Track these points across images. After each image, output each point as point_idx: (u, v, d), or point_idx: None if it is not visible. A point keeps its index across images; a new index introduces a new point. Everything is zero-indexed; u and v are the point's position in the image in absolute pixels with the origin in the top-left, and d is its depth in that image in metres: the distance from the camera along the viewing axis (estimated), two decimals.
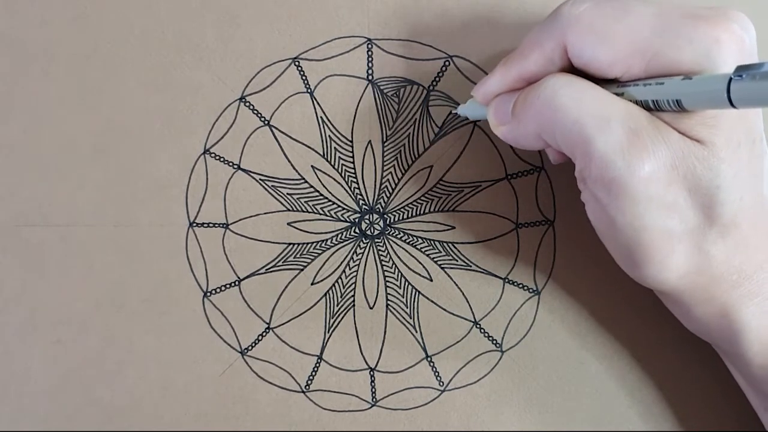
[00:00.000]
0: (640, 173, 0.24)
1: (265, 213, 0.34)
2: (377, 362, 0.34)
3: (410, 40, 0.33)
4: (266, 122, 0.34)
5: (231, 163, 0.34)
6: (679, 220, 0.25)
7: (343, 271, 0.34)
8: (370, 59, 0.33)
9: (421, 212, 0.34)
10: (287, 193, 0.34)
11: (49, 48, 0.34)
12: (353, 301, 0.34)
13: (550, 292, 0.34)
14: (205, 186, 0.34)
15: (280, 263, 0.34)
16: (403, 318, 0.34)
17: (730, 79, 0.21)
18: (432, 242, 0.34)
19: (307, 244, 0.34)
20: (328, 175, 0.34)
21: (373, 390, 0.34)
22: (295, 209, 0.34)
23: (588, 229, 0.28)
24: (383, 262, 0.34)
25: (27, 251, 0.34)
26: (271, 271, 0.34)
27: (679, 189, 0.25)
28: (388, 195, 0.34)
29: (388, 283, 0.34)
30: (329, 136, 0.34)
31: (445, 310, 0.34)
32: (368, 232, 0.34)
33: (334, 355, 0.34)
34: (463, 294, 0.34)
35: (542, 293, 0.34)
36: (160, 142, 0.34)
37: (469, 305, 0.34)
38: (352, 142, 0.34)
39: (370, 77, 0.33)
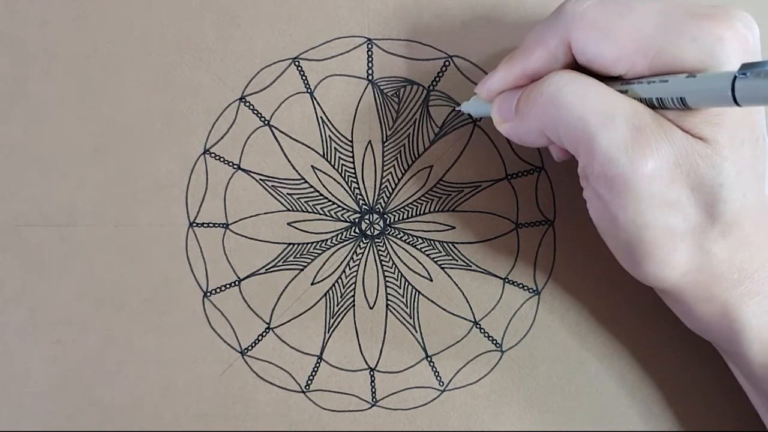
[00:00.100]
0: (643, 170, 0.24)
1: (265, 213, 0.33)
2: (377, 362, 0.34)
3: (410, 40, 0.33)
4: (266, 122, 0.33)
5: (231, 163, 0.33)
6: (682, 218, 0.25)
7: (343, 271, 0.34)
8: (370, 59, 0.33)
9: (421, 212, 0.34)
10: (287, 193, 0.33)
11: (49, 48, 0.33)
12: (353, 301, 0.34)
13: (550, 292, 0.34)
14: (205, 186, 0.33)
15: (280, 263, 0.34)
16: (403, 318, 0.34)
17: (735, 77, 0.21)
18: (432, 242, 0.34)
19: (307, 244, 0.34)
20: (328, 175, 0.33)
21: (373, 390, 0.34)
22: (295, 209, 0.33)
23: (588, 229, 0.28)
24: (383, 262, 0.34)
25: (27, 251, 0.34)
26: (271, 271, 0.34)
27: (681, 187, 0.24)
28: (388, 195, 0.34)
29: (388, 283, 0.34)
30: (329, 136, 0.33)
31: (445, 310, 0.34)
32: (368, 232, 0.34)
33: (334, 355, 0.34)
34: (463, 294, 0.34)
35: (542, 293, 0.34)
36: (160, 142, 0.33)
37: (469, 305, 0.34)
38: (352, 142, 0.33)
39: (370, 77, 0.33)
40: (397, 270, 0.34)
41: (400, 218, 0.34)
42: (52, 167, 0.33)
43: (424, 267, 0.34)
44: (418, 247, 0.34)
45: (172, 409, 0.34)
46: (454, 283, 0.34)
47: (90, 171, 0.33)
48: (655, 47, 0.24)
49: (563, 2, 0.26)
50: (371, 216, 0.34)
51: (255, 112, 0.33)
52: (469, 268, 0.34)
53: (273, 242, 0.34)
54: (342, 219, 0.34)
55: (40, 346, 0.34)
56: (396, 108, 0.33)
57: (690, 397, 0.33)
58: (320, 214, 0.34)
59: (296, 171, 0.33)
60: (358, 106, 0.33)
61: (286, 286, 0.34)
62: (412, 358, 0.34)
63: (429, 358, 0.34)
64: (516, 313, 0.34)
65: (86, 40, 0.33)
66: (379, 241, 0.34)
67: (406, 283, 0.34)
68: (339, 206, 0.34)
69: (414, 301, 0.34)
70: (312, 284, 0.34)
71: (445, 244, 0.34)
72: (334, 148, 0.33)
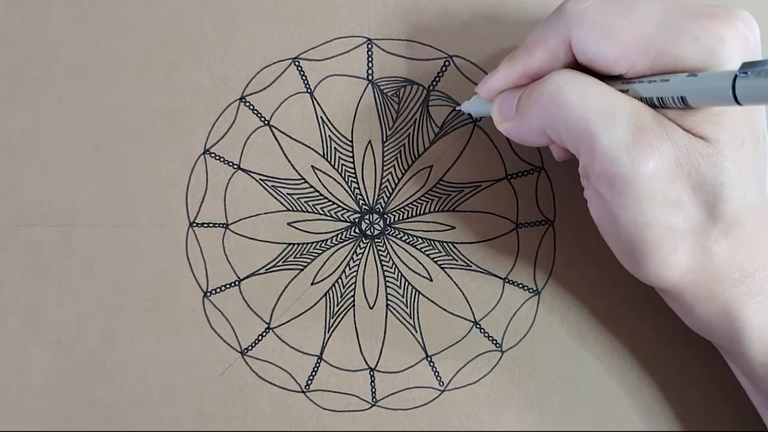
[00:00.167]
0: (644, 170, 0.23)
1: (265, 213, 0.33)
2: (377, 362, 0.34)
3: (410, 40, 0.33)
4: (266, 122, 0.33)
5: (231, 163, 0.33)
6: (683, 217, 0.25)
7: (343, 271, 0.34)
8: (370, 59, 0.33)
9: (421, 212, 0.33)
10: (287, 193, 0.33)
11: (49, 48, 0.33)
12: (353, 301, 0.34)
13: (550, 292, 0.33)
14: (205, 186, 0.33)
15: (280, 263, 0.33)
16: (403, 318, 0.34)
17: (736, 76, 0.21)
18: (432, 242, 0.33)
19: (307, 244, 0.33)
20: (328, 175, 0.33)
21: (373, 390, 0.34)
22: (295, 209, 0.33)
23: (588, 229, 0.28)
24: (383, 262, 0.34)
25: (27, 251, 0.33)
26: (271, 271, 0.34)
27: (683, 186, 0.24)
28: (388, 195, 0.33)
29: (388, 283, 0.34)
30: (329, 136, 0.33)
31: (445, 310, 0.34)
32: (368, 232, 0.34)
33: (334, 355, 0.34)
34: (463, 294, 0.34)
35: (542, 293, 0.34)
36: (160, 142, 0.33)
37: (469, 305, 0.34)
38: (352, 142, 0.33)
39: (370, 77, 0.33)
40: (397, 270, 0.34)
41: (400, 218, 0.33)
42: (52, 167, 0.33)
43: (424, 267, 0.34)
44: (418, 247, 0.33)
45: (172, 409, 0.34)
46: (454, 283, 0.33)
47: (90, 171, 0.33)
48: (657, 46, 0.24)
49: (564, 1, 0.26)
50: (371, 216, 0.34)
51: (255, 112, 0.33)
52: (469, 268, 0.33)
53: (273, 242, 0.33)
54: (342, 219, 0.34)
55: (40, 346, 0.34)
56: (396, 108, 0.33)
57: (690, 397, 0.33)
58: (320, 214, 0.33)
59: (296, 171, 0.33)
60: (358, 106, 0.33)
61: (286, 286, 0.34)
62: (412, 358, 0.34)
63: (429, 358, 0.34)
64: (516, 313, 0.34)
65: (86, 40, 0.33)
66: (379, 241, 0.34)
67: (406, 283, 0.34)
68: (339, 206, 0.33)
69: (414, 301, 0.34)
70: (312, 284, 0.34)
71: (445, 244, 0.33)
72: (334, 148, 0.33)
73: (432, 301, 0.34)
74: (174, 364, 0.33)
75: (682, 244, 0.25)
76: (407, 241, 0.33)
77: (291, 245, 0.33)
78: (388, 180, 0.33)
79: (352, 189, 0.33)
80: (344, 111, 0.33)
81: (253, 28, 0.33)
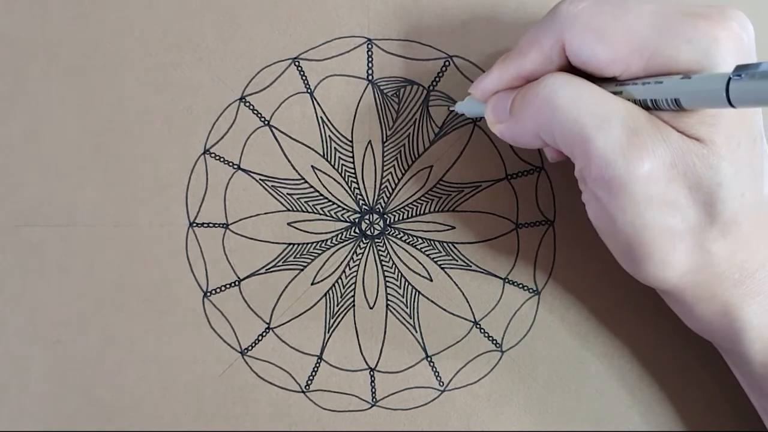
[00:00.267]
0: (639, 172, 0.24)
1: (265, 213, 0.34)
2: (377, 362, 0.34)
3: (410, 40, 0.33)
4: (266, 122, 0.34)
5: (231, 163, 0.34)
6: (680, 218, 0.25)
7: (343, 271, 0.34)
8: (370, 59, 0.34)
9: (421, 212, 0.34)
10: (287, 193, 0.34)
11: (49, 48, 0.34)
12: (353, 301, 0.34)
13: (550, 292, 0.34)
14: (205, 186, 0.34)
15: (280, 263, 0.34)
16: (403, 318, 0.34)
17: (729, 79, 0.21)
18: (432, 242, 0.34)
19: (307, 244, 0.34)
20: (328, 175, 0.34)
21: (373, 390, 0.34)
22: (295, 209, 0.34)
23: (588, 229, 0.28)
24: (383, 262, 0.34)
25: (27, 251, 0.34)
26: (271, 271, 0.34)
27: (679, 187, 0.25)
28: (388, 195, 0.34)
29: (388, 283, 0.34)
30: (329, 136, 0.34)
31: (445, 310, 0.34)
32: (368, 232, 0.34)
33: (334, 355, 0.34)
34: (463, 294, 0.34)
35: (542, 293, 0.34)
36: (160, 142, 0.34)
37: (469, 305, 0.34)
38: (352, 142, 0.34)
39: (370, 77, 0.34)
40: (397, 270, 0.34)
41: (400, 218, 0.34)
42: (52, 167, 0.34)
43: (424, 267, 0.34)
44: (418, 247, 0.34)
45: (172, 409, 0.34)
46: (454, 283, 0.34)
47: (90, 171, 0.34)
48: (651, 48, 0.24)
49: (558, 3, 0.26)
50: (371, 216, 0.34)
51: (255, 112, 0.34)
52: (469, 268, 0.34)
53: (273, 242, 0.34)
54: (342, 219, 0.34)
55: (40, 346, 0.34)
56: (396, 108, 0.34)
57: (690, 397, 0.34)
58: (320, 214, 0.34)
59: (296, 171, 0.34)
60: (358, 106, 0.34)
61: (286, 286, 0.34)
62: (412, 358, 0.34)
63: (429, 358, 0.34)
64: (516, 313, 0.34)
65: (86, 40, 0.34)
66: (379, 241, 0.34)
67: (406, 283, 0.34)
68: (339, 206, 0.34)
69: (414, 301, 0.34)
70: (312, 284, 0.34)
71: (445, 244, 0.34)
72: (334, 148, 0.34)
73: (432, 301, 0.34)
74: (174, 364, 0.34)
75: (680, 245, 0.26)
76: (407, 241, 0.34)
77: (291, 245, 0.34)
78: (388, 180, 0.34)
79: (352, 189, 0.34)
80: (344, 111, 0.34)
81: (253, 28, 0.34)
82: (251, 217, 0.34)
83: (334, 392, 0.34)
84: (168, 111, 0.34)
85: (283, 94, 0.34)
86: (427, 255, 0.34)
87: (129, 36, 0.34)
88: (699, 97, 0.23)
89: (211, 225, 0.34)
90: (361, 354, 0.34)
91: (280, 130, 0.34)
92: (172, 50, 0.34)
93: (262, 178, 0.34)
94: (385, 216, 0.34)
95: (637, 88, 0.25)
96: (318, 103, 0.34)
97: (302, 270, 0.34)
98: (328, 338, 0.34)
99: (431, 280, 0.34)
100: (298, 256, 0.34)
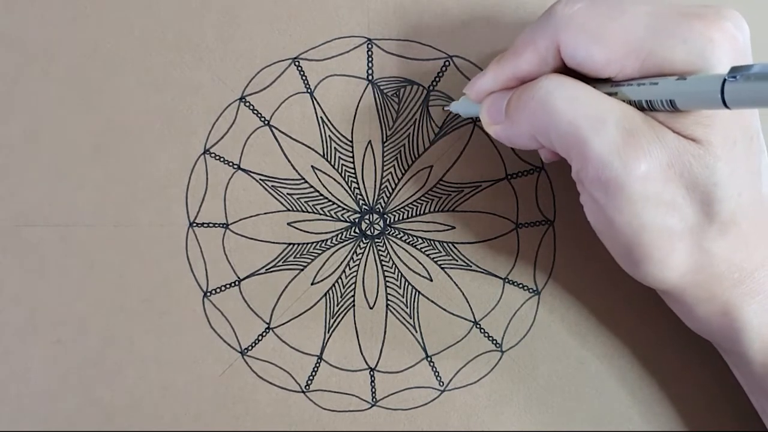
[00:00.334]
0: (636, 172, 0.24)
1: (265, 213, 0.35)
2: (377, 362, 0.35)
3: (410, 40, 0.34)
4: (266, 122, 0.35)
5: (231, 163, 0.35)
6: (679, 218, 0.26)
7: (343, 271, 0.35)
8: (370, 59, 0.34)
9: (421, 212, 0.35)
10: (287, 193, 0.35)
11: (49, 48, 0.34)
12: (353, 301, 0.35)
13: (550, 292, 0.35)
14: (205, 186, 0.35)
15: (280, 263, 0.35)
16: (403, 318, 0.35)
17: (724, 80, 0.21)
18: (432, 242, 0.35)
19: (307, 244, 0.35)
20: (328, 175, 0.35)
21: (373, 390, 0.35)
22: (295, 209, 0.35)
23: (588, 229, 0.29)
24: (383, 262, 0.35)
25: (27, 251, 0.35)
26: (271, 271, 0.35)
27: (676, 187, 0.25)
28: (388, 195, 0.35)
29: (388, 283, 0.35)
30: (329, 136, 0.35)
31: (445, 310, 0.35)
32: (368, 232, 0.35)
33: (334, 355, 0.35)
34: (463, 294, 0.35)
35: (542, 293, 0.35)
36: (160, 142, 0.34)
37: (469, 305, 0.35)
38: (352, 142, 0.35)
39: (370, 77, 0.34)
40: (397, 270, 0.35)
41: (400, 218, 0.35)
42: (52, 167, 0.35)
43: (424, 267, 0.35)
44: (418, 247, 0.35)
45: (172, 409, 0.35)
46: (454, 283, 0.35)
47: (90, 171, 0.35)
48: (646, 49, 0.25)
49: (553, 5, 0.27)
50: (371, 216, 0.35)
51: (255, 112, 0.35)
52: (469, 268, 0.35)
53: (273, 242, 0.35)
54: (342, 219, 0.35)
55: (40, 346, 0.35)
56: (396, 108, 0.34)
57: (690, 396, 0.35)
58: (320, 214, 0.35)
59: (296, 171, 0.35)
60: (358, 106, 0.34)
61: (286, 286, 0.35)
62: (412, 358, 0.35)
63: (429, 358, 0.35)
64: (516, 313, 0.35)
65: (86, 40, 0.34)
66: (379, 241, 0.35)
67: (406, 283, 0.35)
68: (339, 206, 0.35)
69: (414, 301, 0.35)
70: (312, 284, 0.35)
71: (445, 244, 0.35)
72: (334, 148, 0.35)
73: (432, 301, 0.35)
74: (174, 364, 0.35)
75: (679, 245, 0.26)
76: (407, 241, 0.35)
77: (291, 245, 0.35)
78: (388, 180, 0.35)
79: (352, 189, 0.35)
80: (344, 111, 0.34)
81: (253, 28, 0.34)
82: (251, 217, 0.35)
83: (334, 392, 0.35)
84: (168, 111, 0.34)
85: (283, 94, 0.34)
86: (427, 255, 0.35)
87: (129, 36, 0.34)
88: (694, 98, 0.23)
89: (211, 225, 0.35)
90: (361, 354, 0.35)
91: (280, 130, 0.35)
92: (172, 50, 0.34)
93: (262, 178, 0.35)
94: (385, 216, 0.35)
95: (633, 89, 0.25)
96: (318, 103, 0.34)
97: (302, 270, 0.35)
98: (328, 338, 0.35)
99: (431, 280, 0.35)
100: (298, 256, 0.35)
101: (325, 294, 0.35)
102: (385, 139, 0.35)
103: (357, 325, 0.35)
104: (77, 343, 0.35)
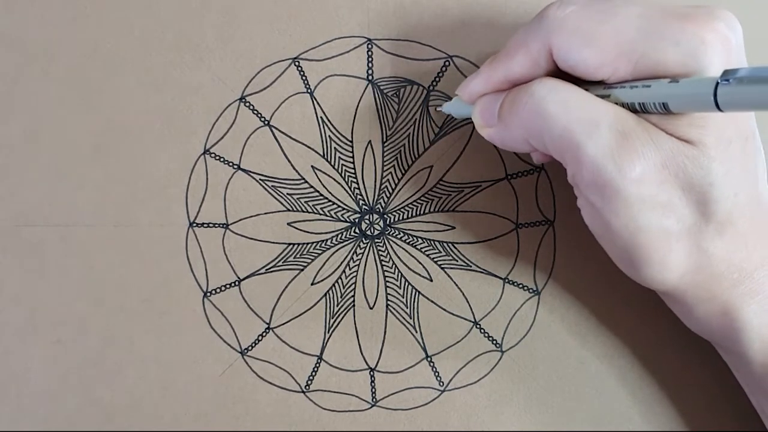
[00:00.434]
0: (631, 175, 0.25)
1: (265, 213, 0.36)
2: (377, 362, 0.36)
3: (410, 40, 0.35)
4: (266, 122, 0.35)
5: (231, 163, 0.36)
6: (675, 219, 0.26)
7: (343, 271, 0.36)
8: (370, 59, 0.35)
9: (421, 212, 0.36)
10: (287, 193, 0.36)
11: (49, 48, 0.35)
12: (353, 301, 0.36)
13: (550, 292, 0.36)
14: (205, 186, 0.35)
15: (280, 263, 0.36)
16: (403, 318, 0.36)
17: (717, 83, 0.22)
18: (432, 242, 0.36)
19: (307, 244, 0.36)
20: (328, 175, 0.36)
21: (373, 390, 0.36)
22: (295, 209, 0.36)
23: (588, 229, 0.29)
24: (383, 262, 0.36)
25: (27, 251, 0.36)
26: (271, 271, 0.36)
27: (672, 188, 0.26)
28: (388, 195, 0.36)
29: (388, 283, 0.36)
30: (329, 136, 0.35)
31: (445, 310, 0.36)
32: (368, 233, 0.36)
33: (334, 355, 0.36)
34: (463, 294, 0.36)
35: (542, 293, 0.36)
36: (160, 142, 0.35)
37: (469, 305, 0.36)
38: (352, 142, 0.35)
39: (370, 77, 0.35)
40: (397, 270, 0.36)
41: (400, 218, 0.36)
42: (52, 167, 0.35)
43: (424, 267, 0.36)
44: (418, 247, 0.36)
45: (172, 409, 0.36)
46: (454, 283, 0.36)
47: (90, 171, 0.35)
48: (638, 52, 0.25)
49: (545, 8, 0.27)
50: (371, 216, 0.36)
51: (255, 112, 0.35)
52: (469, 268, 0.36)
53: (273, 242, 0.36)
54: (342, 219, 0.36)
55: (40, 346, 0.36)
56: (396, 108, 0.35)
57: (690, 397, 0.35)
58: (320, 214, 0.36)
59: (296, 171, 0.35)
60: (358, 106, 0.35)
61: (286, 286, 0.36)
62: (412, 358, 0.36)
63: (429, 358, 0.36)
64: (516, 313, 0.36)
65: (86, 40, 0.35)
66: (379, 241, 0.36)
67: (406, 283, 0.36)
68: (339, 206, 0.36)
69: (414, 301, 0.36)
70: (312, 284, 0.36)
71: (445, 244, 0.36)
72: (334, 148, 0.35)
73: (432, 301, 0.36)
74: (174, 364, 0.36)
75: (677, 246, 0.27)
76: (407, 241, 0.36)
77: (291, 245, 0.36)
78: (388, 180, 0.36)
79: (352, 189, 0.36)
80: (344, 111, 0.35)
81: (253, 28, 0.35)
82: (251, 217, 0.36)
83: (334, 392, 0.36)
84: (168, 111, 0.35)
85: (283, 94, 0.35)
86: (427, 255, 0.36)
87: (129, 36, 0.35)
88: (687, 101, 0.24)
89: (211, 225, 0.36)
90: (361, 354, 0.36)
91: (280, 130, 0.35)
92: (172, 50, 0.35)
93: (262, 178, 0.36)
94: (385, 216, 0.36)
95: (625, 91, 0.26)
96: (318, 103, 0.35)
97: (302, 270, 0.36)
98: (328, 338, 0.36)
99: (431, 280, 0.36)
100: (298, 256, 0.36)
101: (325, 294, 0.36)
102: (385, 139, 0.35)
103: (357, 325, 0.36)
104: (77, 343, 0.36)
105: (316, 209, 0.36)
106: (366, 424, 0.36)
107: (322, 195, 0.36)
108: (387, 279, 0.36)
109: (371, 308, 0.36)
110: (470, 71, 0.35)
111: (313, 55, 0.35)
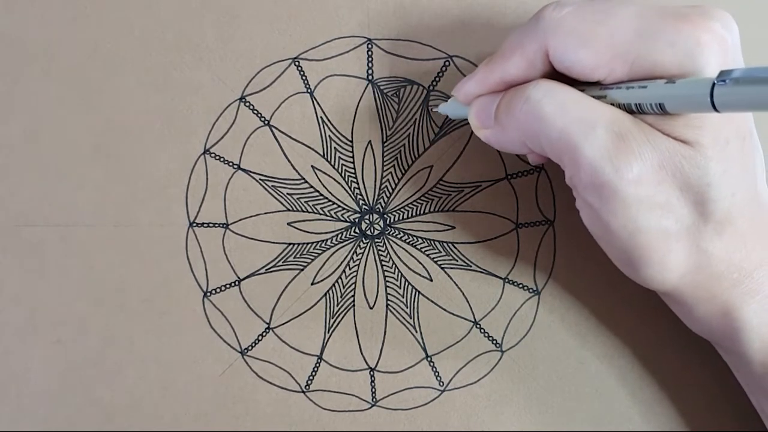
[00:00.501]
0: (628, 176, 0.25)
1: (265, 213, 0.36)
2: (377, 362, 0.36)
3: (410, 40, 0.35)
4: (266, 122, 0.36)
5: (231, 163, 0.36)
6: (674, 219, 0.27)
7: (343, 271, 0.36)
8: (370, 59, 0.35)
9: (421, 212, 0.36)
10: (287, 193, 0.36)
11: (49, 48, 0.36)
12: (353, 301, 0.36)
13: (550, 292, 0.36)
14: (205, 186, 0.36)
15: (280, 263, 0.36)
16: (403, 318, 0.36)
17: (713, 84, 0.22)
18: (432, 242, 0.36)
19: (307, 244, 0.36)
20: (328, 175, 0.36)
21: (373, 390, 0.36)
22: (295, 209, 0.36)
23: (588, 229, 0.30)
24: (383, 262, 0.36)
25: (27, 251, 0.36)
26: (271, 271, 0.36)
27: (670, 188, 0.26)
28: (388, 195, 0.36)
29: (388, 283, 0.36)
30: (329, 136, 0.36)
31: (445, 310, 0.36)
32: (368, 232, 0.36)
33: (334, 355, 0.36)
34: (463, 294, 0.36)
35: (542, 293, 0.36)
36: (160, 142, 0.36)
37: (469, 305, 0.36)
38: (352, 142, 0.36)
39: (370, 77, 0.36)
40: (397, 270, 0.36)
41: (400, 218, 0.36)
42: (52, 167, 0.36)
43: (424, 267, 0.36)
44: (418, 247, 0.36)
45: (172, 409, 0.36)
46: (454, 283, 0.36)
47: (90, 171, 0.36)
48: (635, 53, 0.25)
49: (541, 9, 0.27)
50: (371, 216, 0.36)
51: (255, 112, 0.36)
52: (469, 268, 0.36)
53: (273, 242, 0.36)
54: (342, 219, 0.36)
55: (40, 346, 0.36)
56: (396, 108, 0.36)
57: (690, 397, 0.36)
58: (320, 214, 0.36)
59: (296, 171, 0.36)
60: (358, 106, 0.36)
61: (286, 286, 0.36)
62: (412, 358, 0.36)
63: (429, 358, 0.36)
64: (516, 313, 0.36)
65: (86, 40, 0.36)
66: (379, 241, 0.36)
67: (406, 283, 0.36)
68: (339, 206, 0.36)
69: (414, 301, 0.36)
70: (312, 284, 0.36)
71: (445, 244, 0.36)
72: (334, 148, 0.36)
73: (432, 301, 0.36)
74: (174, 364, 0.36)
75: (676, 246, 0.27)
76: (407, 241, 0.36)
77: (291, 245, 0.36)
78: (388, 180, 0.36)
79: (352, 189, 0.36)
80: (344, 111, 0.36)
81: (253, 28, 0.35)
82: (251, 217, 0.36)
83: (334, 392, 0.36)
84: (168, 111, 0.36)
85: (283, 94, 0.36)
86: (427, 255, 0.36)
87: (129, 36, 0.36)
88: (683, 101, 0.24)
89: (211, 225, 0.36)
90: (361, 354, 0.36)
91: (280, 130, 0.36)
92: (172, 50, 0.36)
93: (262, 178, 0.36)
94: (385, 216, 0.36)
95: (622, 92, 0.26)
96: (318, 103, 0.36)
97: (302, 270, 0.36)
98: (328, 338, 0.36)
99: (431, 280, 0.36)
100: (298, 256, 0.36)
101: (325, 294, 0.36)
102: (385, 139, 0.36)
103: (357, 325, 0.36)
104: (77, 343, 0.36)
105: (316, 209, 0.36)
106: (366, 424, 0.36)
107: (322, 195, 0.36)
108: (387, 279, 0.36)
109: (371, 308, 0.36)
110: (470, 71, 0.34)
111: (313, 55, 0.36)
